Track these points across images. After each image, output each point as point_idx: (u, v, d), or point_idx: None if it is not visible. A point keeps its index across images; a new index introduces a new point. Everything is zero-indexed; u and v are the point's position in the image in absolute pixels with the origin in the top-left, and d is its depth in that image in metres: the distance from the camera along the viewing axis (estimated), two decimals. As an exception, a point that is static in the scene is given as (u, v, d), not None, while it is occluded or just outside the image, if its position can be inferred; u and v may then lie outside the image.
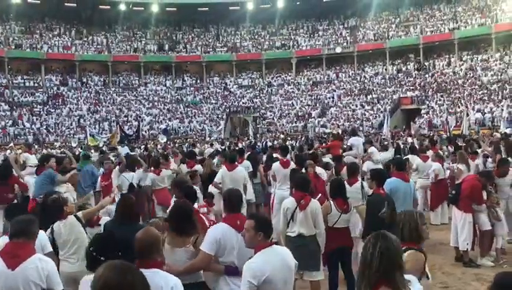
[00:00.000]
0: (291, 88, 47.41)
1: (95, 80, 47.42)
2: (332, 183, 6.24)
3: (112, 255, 2.95)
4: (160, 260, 3.22)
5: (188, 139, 30.98)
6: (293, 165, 8.75)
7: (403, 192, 6.45)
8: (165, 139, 28.68)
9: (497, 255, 7.54)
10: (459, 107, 33.55)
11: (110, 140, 28.52)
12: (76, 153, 17.07)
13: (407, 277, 2.55)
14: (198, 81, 49.67)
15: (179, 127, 41.09)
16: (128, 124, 39.73)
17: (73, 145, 28.32)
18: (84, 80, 47.10)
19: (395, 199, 6.24)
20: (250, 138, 30.86)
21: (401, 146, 16.22)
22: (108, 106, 43.83)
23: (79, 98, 44.25)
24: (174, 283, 3.10)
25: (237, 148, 16.01)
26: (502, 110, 29.62)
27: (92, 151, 17.80)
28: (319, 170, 8.63)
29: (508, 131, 20.47)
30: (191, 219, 4.17)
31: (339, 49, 47.61)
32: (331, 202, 5.87)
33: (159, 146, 23.43)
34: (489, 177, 7.70)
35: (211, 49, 50.56)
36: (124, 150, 16.10)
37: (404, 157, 10.57)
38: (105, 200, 5.76)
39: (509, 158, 9.29)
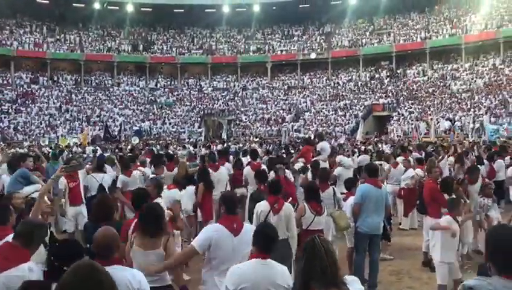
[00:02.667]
0: (266, 92, 47.59)
1: (67, 79, 46.56)
2: (306, 186, 6.38)
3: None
4: (118, 256, 3.25)
5: (161, 141, 30.70)
6: (264, 168, 8.89)
7: (375, 198, 6.50)
8: (137, 141, 28.37)
9: (462, 261, 7.71)
10: (429, 114, 34.27)
11: (81, 140, 28.11)
12: (46, 152, 16.74)
13: (347, 277, 2.67)
14: (173, 83, 49.33)
15: (152, 129, 40.70)
16: (100, 124, 39.18)
17: (43, 144, 27.70)
18: (56, 78, 46.18)
19: (366, 204, 6.34)
20: (225, 140, 30.79)
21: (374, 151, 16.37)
22: (79, 106, 43.06)
23: (50, 96, 43.37)
24: (140, 275, 3.21)
25: (218, 149, 16.05)
26: (475, 120, 30.35)
27: (65, 151, 17.47)
28: (288, 174, 8.81)
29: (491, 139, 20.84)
30: (162, 221, 4.11)
31: (313, 55, 48.10)
32: (305, 205, 5.96)
33: (129, 147, 23.08)
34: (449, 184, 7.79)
35: (186, 51, 50.30)
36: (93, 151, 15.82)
37: (377, 163, 10.74)
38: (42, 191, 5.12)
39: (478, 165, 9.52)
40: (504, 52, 38.69)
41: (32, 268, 3.30)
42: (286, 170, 8.89)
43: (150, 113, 43.60)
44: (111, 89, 46.88)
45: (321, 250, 2.57)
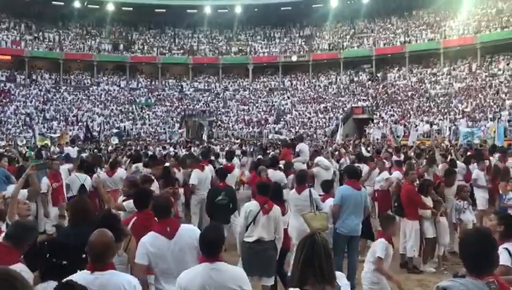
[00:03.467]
0: (247, 94, 47.63)
1: (46, 78, 45.85)
2: (259, 186, 6.41)
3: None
4: (113, 262, 3.22)
5: (141, 142, 30.46)
6: (237, 170, 9.22)
7: (354, 199, 6.56)
8: (116, 141, 28.09)
9: (439, 262, 7.83)
10: (408, 118, 34.77)
11: (59, 140, 27.70)
12: (23, 152, 16.47)
13: (336, 273, 2.71)
14: (153, 83, 48.99)
15: (131, 129, 40.32)
16: (79, 124, 38.69)
17: (20, 144, 27.20)
18: (34, 77, 45.44)
19: (346, 206, 6.40)
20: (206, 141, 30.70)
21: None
22: (58, 105, 42.44)
23: (28, 95, 42.63)
24: (135, 281, 3.21)
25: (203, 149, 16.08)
26: (453, 124, 30.83)
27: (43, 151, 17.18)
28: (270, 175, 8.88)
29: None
30: (117, 225, 4.04)
31: (294, 58, 48.34)
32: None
33: (110, 147, 22.85)
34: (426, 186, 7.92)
35: (167, 51, 50.02)
36: (72, 151, 15.64)
37: (356, 165, 10.83)
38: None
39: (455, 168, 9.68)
40: (481, 57, 39.46)
41: (23, 269, 3.27)
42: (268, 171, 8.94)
43: (130, 114, 43.21)
44: (90, 89, 46.31)
45: (320, 247, 2.61)
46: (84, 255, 3.19)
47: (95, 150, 19.56)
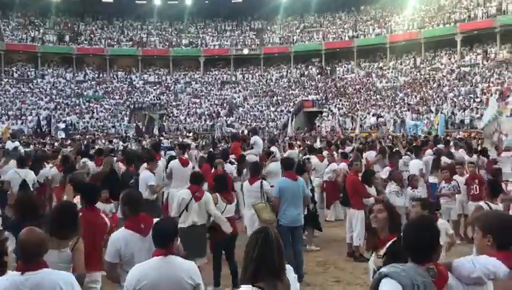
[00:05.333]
0: (199, 87, 47.24)
1: (-15, 70, 43.66)
2: (216, 179, 6.83)
3: None
4: (45, 260, 3.07)
5: (88, 136, 29.60)
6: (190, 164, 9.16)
7: (291, 191, 6.73)
8: (63, 135, 27.22)
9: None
10: (357, 110, 35.67)
11: (2, 134, 26.55)
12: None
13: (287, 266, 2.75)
14: (101, 75, 47.60)
15: (78, 123, 39.07)
16: (23, 118, 37.13)
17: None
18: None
19: (284, 198, 6.59)
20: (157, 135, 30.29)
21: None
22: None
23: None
24: (72, 278, 3.08)
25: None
26: (398, 116, 31.82)
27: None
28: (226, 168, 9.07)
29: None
30: (74, 221, 3.92)
31: (246, 51, 48.34)
32: (218, 195, 6.37)
33: (56, 143, 22.10)
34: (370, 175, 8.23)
35: (115, 43, 48.71)
36: (13, 145, 15.04)
37: (305, 157, 11.05)
38: None
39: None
40: (424, 52, 40.93)
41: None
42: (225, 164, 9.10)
43: (77, 107, 41.84)
44: (34, 81, 44.43)
45: (274, 242, 2.60)
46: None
47: (39, 145, 18.87)
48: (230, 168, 9.27)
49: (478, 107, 28.62)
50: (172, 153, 11.51)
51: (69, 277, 3.08)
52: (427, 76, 38.20)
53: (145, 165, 8.21)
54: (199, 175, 6.54)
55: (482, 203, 5.46)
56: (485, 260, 2.59)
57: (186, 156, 10.24)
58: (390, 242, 3.42)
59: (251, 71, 48.85)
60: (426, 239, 2.55)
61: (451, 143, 13.07)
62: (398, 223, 3.61)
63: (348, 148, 12.86)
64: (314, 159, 10.71)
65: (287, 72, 47.42)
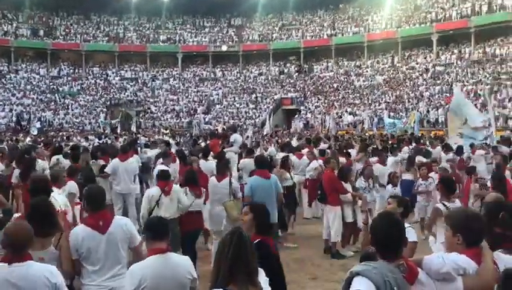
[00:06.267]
0: (176, 83, 46.88)
1: (-45, 64, 42.45)
2: (185, 174, 7.02)
3: None
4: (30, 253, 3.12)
5: (62, 133, 29.06)
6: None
7: (263, 189, 6.75)
8: (35, 132, 26.66)
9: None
10: (334, 109, 35.88)
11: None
12: None
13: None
14: (77, 71, 46.76)
15: (53, 119, 38.34)
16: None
17: None
18: None
19: (257, 196, 6.56)
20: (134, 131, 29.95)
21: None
22: (-30, 93, 39.46)
23: None
24: (56, 269, 3.15)
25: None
26: (377, 114, 32.09)
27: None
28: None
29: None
30: (51, 217, 3.81)
31: (224, 48, 48.16)
32: (186, 188, 6.53)
33: (28, 139, 21.62)
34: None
35: (91, 38, 47.90)
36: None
37: (284, 155, 11.05)
38: None
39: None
40: (401, 51, 41.44)
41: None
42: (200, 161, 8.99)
43: (52, 103, 41.05)
44: (7, 76, 43.36)
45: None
46: None
47: (11, 141, 18.45)
48: (212, 166, 9.14)
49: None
50: (152, 152, 11.39)
51: (53, 268, 3.15)
52: (404, 75, 38.70)
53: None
54: (165, 171, 6.71)
55: (438, 204, 5.51)
56: (455, 257, 2.63)
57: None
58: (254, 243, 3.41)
59: (230, 68, 48.70)
60: (394, 236, 2.57)
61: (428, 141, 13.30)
62: (264, 224, 3.74)
63: (323, 146, 12.93)
64: (292, 157, 10.76)
65: (266, 69, 47.44)
